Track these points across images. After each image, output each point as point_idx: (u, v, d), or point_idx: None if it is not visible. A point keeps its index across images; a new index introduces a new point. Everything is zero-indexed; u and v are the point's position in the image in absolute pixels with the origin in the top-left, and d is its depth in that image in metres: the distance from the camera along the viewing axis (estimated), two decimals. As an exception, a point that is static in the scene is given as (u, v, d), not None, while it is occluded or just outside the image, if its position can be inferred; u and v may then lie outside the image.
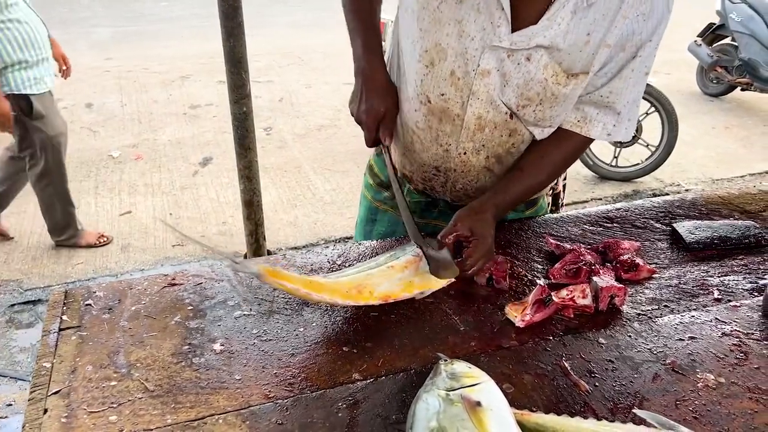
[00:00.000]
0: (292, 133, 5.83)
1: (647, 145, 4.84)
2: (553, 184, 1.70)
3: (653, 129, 4.78)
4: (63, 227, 3.91)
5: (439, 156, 1.44)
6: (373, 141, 1.38)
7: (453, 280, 1.24)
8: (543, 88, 1.27)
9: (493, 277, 1.30)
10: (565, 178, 3.12)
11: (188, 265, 3.78)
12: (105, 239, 4.04)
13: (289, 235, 4.17)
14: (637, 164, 4.92)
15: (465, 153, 1.41)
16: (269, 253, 2.87)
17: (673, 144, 4.78)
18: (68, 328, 1.16)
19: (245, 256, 2.89)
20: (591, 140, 1.39)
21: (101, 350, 1.10)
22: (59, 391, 1.01)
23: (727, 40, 6.56)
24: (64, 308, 1.21)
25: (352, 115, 1.41)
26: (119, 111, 6.29)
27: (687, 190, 4.83)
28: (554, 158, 1.38)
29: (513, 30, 1.21)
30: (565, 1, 1.17)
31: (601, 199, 4.73)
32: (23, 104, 3.42)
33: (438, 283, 1.23)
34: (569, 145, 1.39)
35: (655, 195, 4.72)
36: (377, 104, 1.36)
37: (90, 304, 1.23)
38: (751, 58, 6.05)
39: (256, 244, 2.78)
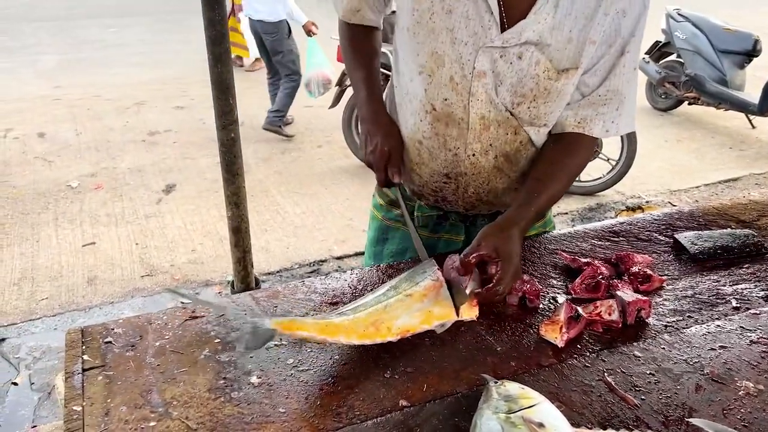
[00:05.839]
0: (256, 157, 5.77)
1: (608, 160, 4.97)
2: None
3: (612, 143, 4.91)
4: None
5: (449, 161, 1.46)
6: (383, 181, 1.46)
7: (474, 317, 1.23)
8: (536, 83, 1.32)
9: (527, 297, 1.30)
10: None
11: (204, 295, 3.69)
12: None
13: (262, 260, 4.09)
14: (599, 178, 5.04)
15: (474, 155, 1.43)
16: (257, 281, 2.81)
17: (633, 158, 4.92)
18: (92, 368, 1.10)
19: (232, 285, 2.83)
20: (595, 139, 1.43)
21: (132, 389, 1.05)
22: (96, 435, 0.96)
23: (673, 57, 6.83)
24: (84, 347, 1.16)
25: (362, 161, 1.49)
26: (74, 140, 6.11)
27: (648, 202, 4.98)
28: (566, 162, 1.41)
29: (503, 30, 1.27)
30: None
31: (567, 213, 4.82)
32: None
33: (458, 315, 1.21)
34: (577, 148, 1.42)
35: (629, 209, 4.84)
36: (381, 144, 1.44)
37: (110, 342, 1.17)
38: (696, 74, 6.31)
39: (244, 272, 2.72)
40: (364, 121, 1.49)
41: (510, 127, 1.39)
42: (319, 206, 4.84)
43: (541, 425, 0.89)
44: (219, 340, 1.18)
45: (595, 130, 1.39)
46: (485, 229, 1.29)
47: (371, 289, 1.35)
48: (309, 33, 6.06)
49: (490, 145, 1.41)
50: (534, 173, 1.41)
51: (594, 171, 5.05)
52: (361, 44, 1.55)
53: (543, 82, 1.31)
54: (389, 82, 1.57)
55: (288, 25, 6.03)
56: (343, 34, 1.57)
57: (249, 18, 6.06)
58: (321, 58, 6.02)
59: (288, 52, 6.07)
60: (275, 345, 1.16)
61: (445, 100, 1.37)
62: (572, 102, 1.38)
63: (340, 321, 1.12)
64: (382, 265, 1.47)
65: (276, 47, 6.03)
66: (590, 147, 1.45)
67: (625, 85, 1.35)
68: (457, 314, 1.19)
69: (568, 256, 1.47)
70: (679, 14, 6.60)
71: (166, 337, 1.19)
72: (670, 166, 5.69)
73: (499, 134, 1.40)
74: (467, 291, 1.20)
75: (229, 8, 6.75)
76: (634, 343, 1.19)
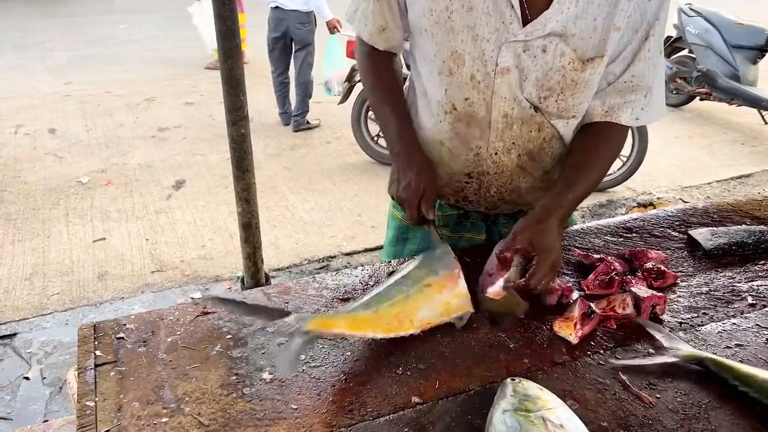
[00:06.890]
0: (265, 153, 5.78)
1: (618, 155, 4.94)
2: None
3: (624, 139, 4.88)
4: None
5: (471, 161, 1.44)
6: (416, 218, 1.37)
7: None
8: (562, 75, 1.30)
9: (564, 295, 1.28)
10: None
11: (215, 290, 3.72)
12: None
13: (271, 256, 4.10)
14: (610, 174, 5.00)
15: (496, 153, 1.41)
16: (267, 276, 2.82)
17: (644, 154, 4.88)
18: (104, 363, 1.10)
19: (242, 281, 2.83)
20: (626, 128, 1.40)
21: (144, 385, 1.05)
22: (109, 431, 0.96)
23: (685, 52, 6.78)
24: (96, 343, 1.16)
25: (393, 198, 1.42)
26: (84, 136, 6.13)
27: (659, 198, 4.95)
28: (600, 150, 1.39)
29: (526, 24, 1.25)
30: None
31: (577, 209, 4.78)
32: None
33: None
34: (607, 135, 1.40)
35: (640, 205, 4.81)
36: (416, 181, 1.36)
37: (123, 338, 1.17)
38: (708, 69, 6.27)
39: (254, 268, 2.72)
40: (397, 156, 1.42)
41: (534, 124, 1.37)
42: (328, 202, 4.83)
43: (561, 427, 0.88)
44: (231, 336, 1.18)
45: (623, 117, 1.36)
46: (522, 221, 1.27)
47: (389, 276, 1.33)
48: (333, 30, 6.13)
49: (513, 143, 1.39)
50: (569, 162, 1.39)
51: (604, 167, 5.02)
52: (385, 74, 1.49)
53: (569, 73, 1.29)
54: (406, 83, 1.55)
55: (315, 17, 6.08)
56: (365, 64, 1.51)
57: (278, 8, 5.93)
58: (340, 56, 6.09)
59: (313, 43, 6.14)
60: (286, 341, 1.16)
61: (466, 99, 1.35)
62: (599, 91, 1.36)
63: (366, 315, 1.13)
64: (393, 261, 1.46)
65: (307, 38, 6.08)
66: (622, 135, 1.42)
67: (651, 70, 1.33)
68: (474, 308, 1.19)
69: (581, 252, 1.46)
70: (690, 9, 6.56)
71: (178, 332, 1.19)
72: (682, 163, 5.65)
73: (522, 132, 1.38)
74: (501, 281, 1.19)
75: None
76: (649, 341, 1.18)
